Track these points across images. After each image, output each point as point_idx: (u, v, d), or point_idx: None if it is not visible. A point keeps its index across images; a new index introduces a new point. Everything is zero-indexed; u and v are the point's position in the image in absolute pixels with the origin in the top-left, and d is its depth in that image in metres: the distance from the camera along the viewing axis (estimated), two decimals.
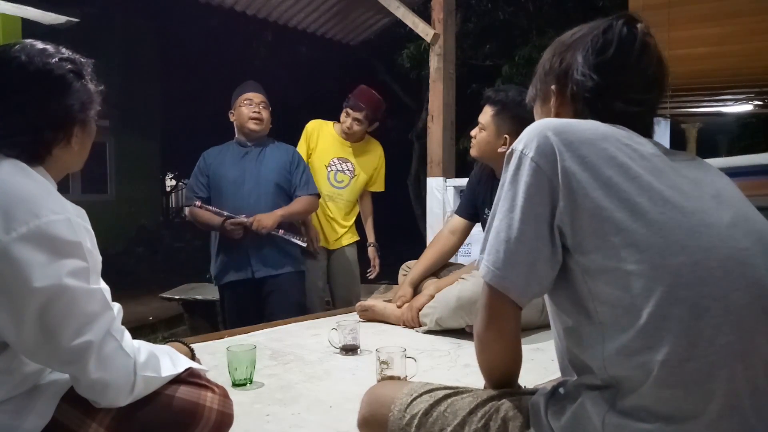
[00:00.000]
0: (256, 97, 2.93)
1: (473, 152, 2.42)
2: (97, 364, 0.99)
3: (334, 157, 3.30)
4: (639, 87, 0.99)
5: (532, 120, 2.42)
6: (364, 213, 3.49)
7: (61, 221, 0.98)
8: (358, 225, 3.48)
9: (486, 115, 2.34)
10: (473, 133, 2.39)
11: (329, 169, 3.28)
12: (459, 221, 2.60)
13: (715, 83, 5.37)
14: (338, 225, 3.33)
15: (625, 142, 0.91)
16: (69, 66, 1.11)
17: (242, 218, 2.76)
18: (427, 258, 2.57)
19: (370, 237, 3.49)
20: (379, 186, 3.47)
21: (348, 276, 3.38)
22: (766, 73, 4.88)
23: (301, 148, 3.29)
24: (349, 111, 3.22)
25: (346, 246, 3.36)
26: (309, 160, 3.27)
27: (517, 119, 2.25)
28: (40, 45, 1.11)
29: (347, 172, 3.31)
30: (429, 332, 2.31)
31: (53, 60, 1.09)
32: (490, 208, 2.41)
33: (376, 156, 3.41)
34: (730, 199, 0.91)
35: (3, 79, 1.07)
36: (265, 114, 2.93)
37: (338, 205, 3.31)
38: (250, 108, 2.90)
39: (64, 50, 1.14)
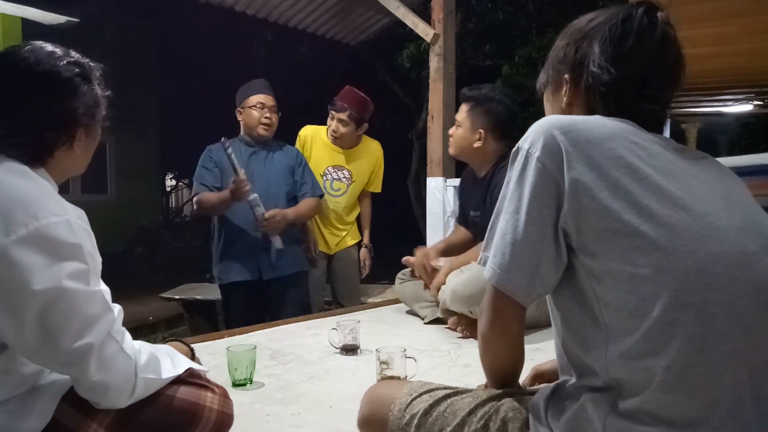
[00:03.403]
0: (269, 100, 2.87)
1: (451, 151, 2.49)
2: (97, 366, 0.98)
3: (329, 165, 3.26)
4: (656, 83, 0.96)
5: (505, 115, 2.48)
6: (363, 214, 3.48)
7: (61, 223, 0.98)
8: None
9: (461, 111, 2.41)
10: (450, 131, 2.45)
11: (325, 178, 3.25)
12: (460, 227, 2.70)
13: (715, 83, 5.38)
14: (337, 230, 3.32)
15: (633, 140, 0.88)
16: (77, 69, 1.11)
17: (262, 207, 2.69)
18: (447, 242, 2.66)
19: (365, 238, 3.47)
20: (375, 187, 3.45)
21: (350, 277, 3.38)
22: (766, 73, 4.88)
23: None
24: (333, 113, 3.17)
25: (347, 248, 3.36)
26: None
27: (490, 114, 2.33)
28: (49, 47, 1.11)
29: (344, 179, 3.28)
30: (429, 325, 2.34)
31: (61, 63, 1.09)
32: (475, 210, 2.47)
33: (373, 158, 3.38)
34: (740, 202, 0.89)
35: (10, 80, 1.07)
36: (275, 119, 2.88)
37: (337, 211, 3.30)
38: (261, 112, 2.84)
39: (73, 53, 1.13)
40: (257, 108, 2.86)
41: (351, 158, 3.29)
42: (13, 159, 1.05)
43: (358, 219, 3.47)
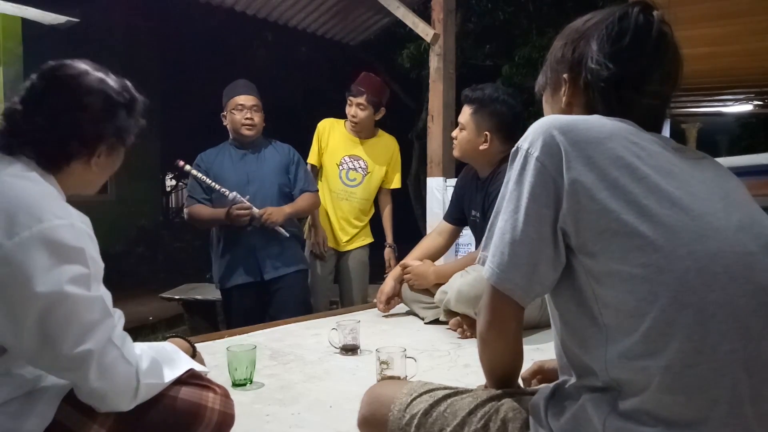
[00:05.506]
0: (248, 100, 2.88)
1: (455, 153, 2.47)
2: (98, 373, 0.98)
3: (346, 155, 3.28)
4: (655, 78, 0.96)
5: (510, 116, 2.48)
6: (384, 213, 3.47)
7: (64, 226, 0.98)
8: (377, 224, 3.46)
9: (465, 114, 2.38)
10: (454, 133, 2.44)
11: (341, 167, 3.27)
12: (445, 225, 2.69)
13: (715, 83, 5.38)
14: (350, 226, 3.31)
15: (632, 140, 0.89)
16: (121, 92, 1.16)
17: (247, 202, 2.73)
18: (414, 257, 2.61)
19: (389, 237, 3.46)
20: (395, 183, 3.44)
21: (357, 278, 3.37)
22: (766, 73, 4.89)
23: (313, 148, 3.29)
24: (351, 99, 3.20)
25: (357, 248, 3.34)
26: (321, 160, 3.27)
27: (495, 115, 2.32)
28: (102, 71, 1.16)
29: (360, 169, 3.29)
30: (429, 326, 2.38)
31: (111, 83, 1.14)
32: (476, 210, 2.46)
33: (389, 151, 3.38)
34: (739, 202, 0.89)
35: (55, 87, 1.10)
36: (257, 118, 2.89)
37: (352, 203, 3.29)
38: (242, 114, 2.86)
39: (127, 82, 1.19)
40: (238, 110, 2.88)
41: (367, 149, 3.30)
42: (27, 162, 1.06)
43: (371, 222, 3.44)
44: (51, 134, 1.07)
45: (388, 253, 3.44)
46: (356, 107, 3.18)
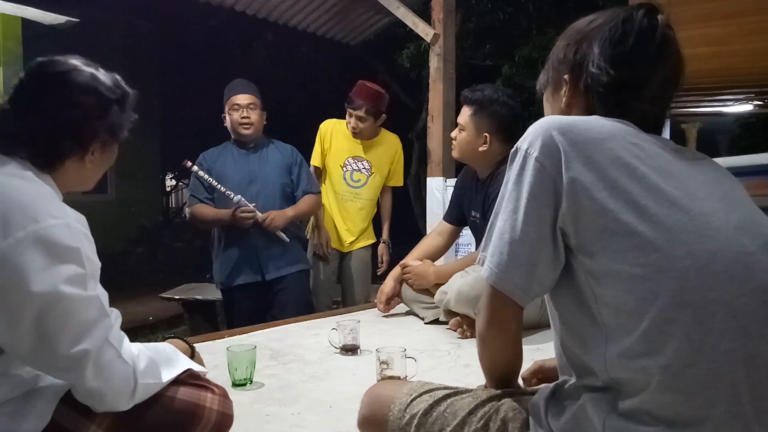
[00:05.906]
0: (244, 99, 2.89)
1: (455, 153, 2.47)
2: (94, 373, 0.98)
3: (349, 156, 3.28)
4: (655, 84, 0.96)
5: (509, 117, 2.47)
6: (383, 209, 3.48)
7: (60, 226, 0.98)
8: (377, 224, 3.46)
9: (464, 115, 2.38)
10: (453, 134, 2.43)
11: (345, 169, 3.27)
12: (445, 225, 2.69)
13: (715, 83, 5.37)
14: (356, 227, 3.31)
15: (631, 141, 0.89)
16: (112, 88, 1.14)
17: (252, 206, 2.76)
18: (414, 257, 2.61)
19: (385, 233, 3.46)
20: (396, 181, 3.45)
21: (360, 278, 3.37)
22: (766, 73, 4.88)
23: (316, 149, 3.29)
24: (351, 111, 3.19)
25: (360, 249, 3.34)
26: (324, 161, 3.27)
27: (494, 117, 2.32)
28: (92, 67, 1.14)
29: (364, 170, 3.29)
30: (429, 325, 2.39)
31: (102, 79, 1.13)
32: (476, 211, 2.46)
33: (392, 150, 3.38)
34: (738, 202, 0.89)
35: (47, 83, 1.09)
36: (254, 116, 2.89)
37: (357, 204, 3.29)
38: (238, 113, 2.87)
39: (117, 76, 1.18)
40: (234, 109, 2.89)
41: (370, 149, 3.30)
42: (21, 161, 1.05)
43: (374, 219, 3.44)
44: (43, 134, 1.07)
45: (381, 248, 3.44)
46: (356, 119, 3.18)
